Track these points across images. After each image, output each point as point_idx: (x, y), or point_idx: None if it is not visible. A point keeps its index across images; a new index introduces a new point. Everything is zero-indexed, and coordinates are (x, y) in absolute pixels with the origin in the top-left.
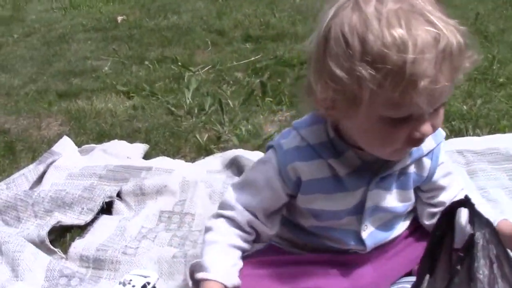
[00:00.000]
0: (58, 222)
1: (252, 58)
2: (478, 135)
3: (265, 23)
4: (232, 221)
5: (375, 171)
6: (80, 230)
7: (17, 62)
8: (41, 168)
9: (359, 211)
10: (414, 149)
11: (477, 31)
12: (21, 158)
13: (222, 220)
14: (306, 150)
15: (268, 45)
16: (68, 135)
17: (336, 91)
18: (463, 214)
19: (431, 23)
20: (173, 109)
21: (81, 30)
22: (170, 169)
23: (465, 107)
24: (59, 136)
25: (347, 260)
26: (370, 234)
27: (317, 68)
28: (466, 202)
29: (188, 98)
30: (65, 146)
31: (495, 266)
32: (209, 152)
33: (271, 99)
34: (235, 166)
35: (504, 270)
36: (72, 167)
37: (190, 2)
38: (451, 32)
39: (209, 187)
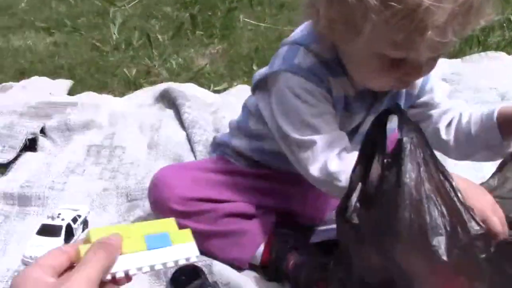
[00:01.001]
0: None
1: None
2: None
3: None
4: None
5: (375, 95)
6: (3, 168)
7: None
8: None
9: (350, 136)
10: None
11: None
12: None
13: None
14: (323, 66)
15: None
16: None
17: (339, 13)
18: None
19: None
20: (98, 44)
21: None
22: (97, 104)
23: None
24: None
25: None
26: None
27: None
28: (396, 108)
29: (114, 33)
30: None
31: (422, 169)
32: (138, 87)
33: (202, 32)
34: (166, 99)
35: (431, 173)
36: None
37: None
38: None
39: (138, 120)
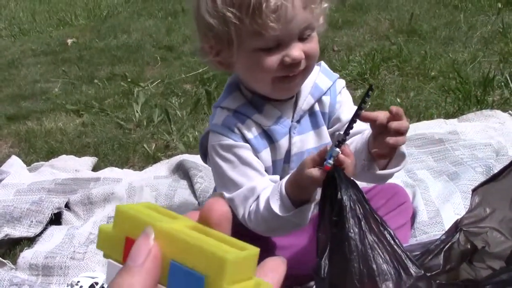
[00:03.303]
0: (6, 236)
1: (200, 70)
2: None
3: None
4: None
5: (292, 119)
6: (30, 241)
7: None
8: None
9: (287, 161)
10: (313, 89)
11: (412, 30)
12: None
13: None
14: (235, 115)
15: None
16: (18, 156)
17: (214, 37)
18: None
19: None
20: (122, 123)
21: (31, 55)
22: (118, 178)
23: (398, 99)
24: (9, 157)
25: None
26: None
27: (197, 25)
28: (334, 169)
29: (137, 112)
30: (13, 164)
31: (363, 223)
32: (157, 160)
33: None
34: (181, 170)
35: (371, 225)
36: (20, 184)
37: (140, 21)
38: None
39: (154, 191)
